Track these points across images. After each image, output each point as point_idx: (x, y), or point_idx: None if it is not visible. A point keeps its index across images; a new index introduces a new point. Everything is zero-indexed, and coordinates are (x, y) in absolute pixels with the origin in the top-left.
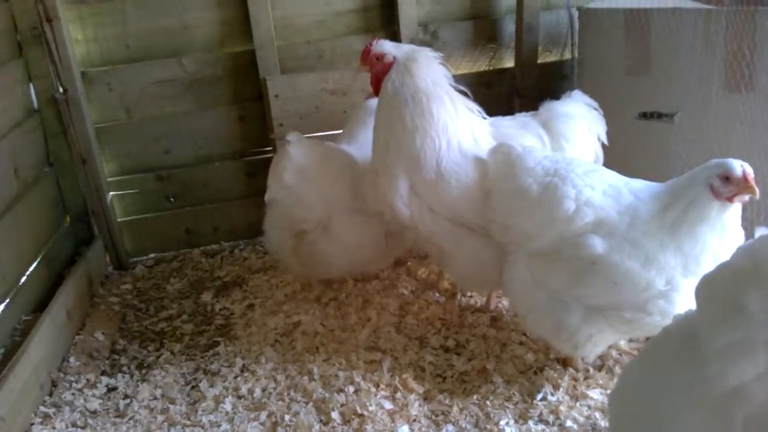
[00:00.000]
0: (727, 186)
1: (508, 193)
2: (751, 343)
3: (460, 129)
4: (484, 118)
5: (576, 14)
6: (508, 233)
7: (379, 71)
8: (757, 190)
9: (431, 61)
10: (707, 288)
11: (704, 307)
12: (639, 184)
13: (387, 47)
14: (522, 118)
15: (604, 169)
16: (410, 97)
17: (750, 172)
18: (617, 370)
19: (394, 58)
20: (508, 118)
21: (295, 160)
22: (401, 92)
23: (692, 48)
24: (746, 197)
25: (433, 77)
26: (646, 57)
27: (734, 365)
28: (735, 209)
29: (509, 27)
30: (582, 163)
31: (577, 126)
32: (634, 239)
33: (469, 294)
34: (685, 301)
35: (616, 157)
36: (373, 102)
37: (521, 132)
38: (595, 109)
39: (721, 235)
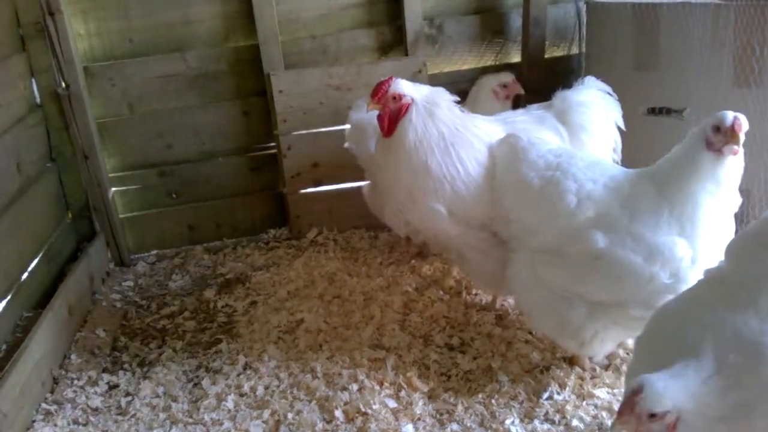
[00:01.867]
0: (717, 136)
1: (510, 185)
2: None
3: (482, 150)
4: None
5: (584, 8)
6: (510, 227)
7: (393, 111)
8: (740, 139)
9: (451, 105)
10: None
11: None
12: (640, 172)
13: (405, 87)
14: (536, 111)
15: (606, 161)
16: (435, 146)
17: (742, 124)
18: (624, 369)
19: (413, 100)
20: (521, 111)
21: None
22: (426, 139)
23: (701, 43)
24: (735, 147)
25: (454, 121)
26: (655, 52)
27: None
28: (731, 166)
29: (516, 21)
30: (584, 156)
31: (594, 115)
32: (636, 232)
33: (474, 292)
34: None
35: (624, 152)
36: None
37: (537, 127)
38: (610, 94)
39: (715, 192)
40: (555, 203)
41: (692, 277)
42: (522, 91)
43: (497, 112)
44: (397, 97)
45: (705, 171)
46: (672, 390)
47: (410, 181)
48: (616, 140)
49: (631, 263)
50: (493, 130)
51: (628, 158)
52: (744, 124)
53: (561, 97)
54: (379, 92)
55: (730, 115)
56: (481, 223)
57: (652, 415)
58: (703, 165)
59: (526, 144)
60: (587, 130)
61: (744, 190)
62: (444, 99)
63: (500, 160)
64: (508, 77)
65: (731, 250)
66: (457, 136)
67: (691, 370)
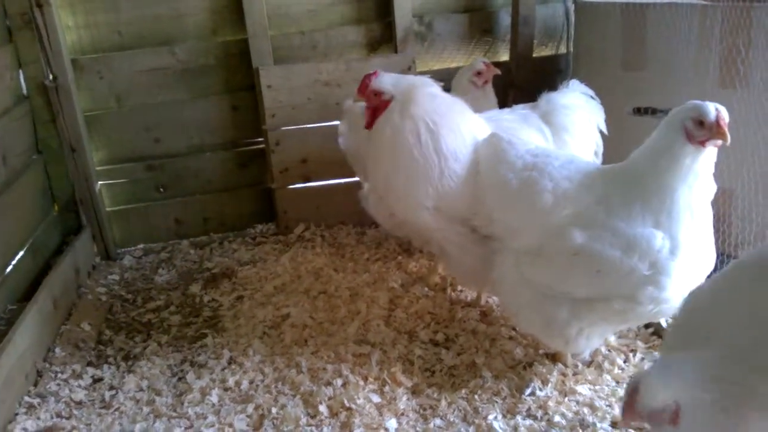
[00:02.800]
0: (701, 130)
1: (491, 185)
2: None
3: (463, 144)
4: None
5: (572, 8)
6: (493, 227)
7: (376, 106)
8: (728, 135)
9: (431, 98)
10: None
11: None
12: (614, 167)
13: (386, 84)
14: (521, 111)
15: (581, 158)
16: (413, 141)
17: (724, 116)
18: (606, 366)
19: (392, 97)
20: (507, 110)
21: None
22: (403, 134)
23: (687, 43)
24: (719, 142)
25: (432, 116)
26: (642, 52)
27: None
28: (708, 157)
29: (505, 20)
30: (560, 154)
31: (577, 118)
32: (613, 227)
33: (459, 289)
34: (677, 286)
35: (609, 152)
36: None
37: (522, 126)
38: (593, 98)
39: (693, 184)
40: (532, 203)
41: (672, 268)
42: (498, 71)
43: (480, 100)
44: (378, 94)
45: (685, 164)
46: (668, 383)
47: (388, 173)
48: (598, 143)
49: (610, 257)
50: (478, 123)
51: (613, 158)
52: (726, 116)
53: (546, 98)
54: (362, 86)
55: (711, 108)
56: (462, 217)
57: (653, 411)
58: (684, 158)
59: (505, 144)
60: (570, 132)
61: (727, 190)
62: (425, 93)
63: (483, 160)
64: (479, 64)
65: None
66: (437, 131)
67: (690, 362)
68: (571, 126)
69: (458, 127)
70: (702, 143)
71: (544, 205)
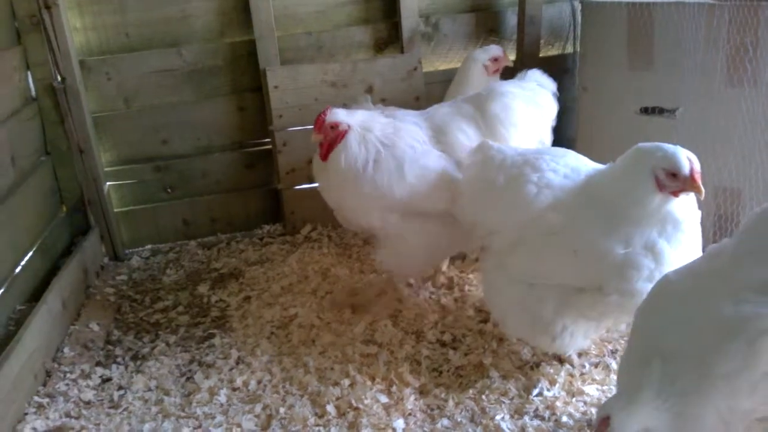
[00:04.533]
0: (674, 181)
1: (479, 190)
2: None
3: (414, 151)
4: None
5: (579, 7)
6: (475, 229)
7: (333, 139)
8: (702, 189)
9: (385, 127)
10: (752, 220)
11: (745, 238)
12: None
13: (340, 116)
14: (460, 101)
15: (572, 154)
16: (368, 165)
17: (697, 168)
18: (614, 366)
19: (350, 126)
20: (448, 103)
21: None
22: (360, 160)
23: (695, 43)
24: (695, 195)
25: (385, 142)
26: (649, 51)
27: (747, 269)
28: (684, 201)
29: (511, 20)
30: (555, 152)
31: (517, 107)
32: (590, 215)
33: (467, 288)
34: (642, 280)
35: (616, 151)
36: None
37: (455, 118)
38: (551, 90)
39: (674, 232)
40: (516, 194)
41: (642, 264)
42: (510, 63)
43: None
44: (335, 126)
45: (652, 208)
46: (638, 415)
47: (342, 197)
48: (543, 137)
49: (586, 235)
50: (421, 138)
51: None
52: (698, 165)
53: (488, 86)
54: (318, 123)
55: (684, 160)
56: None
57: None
58: (650, 204)
59: (494, 152)
60: (503, 122)
61: (735, 190)
62: (377, 122)
63: (471, 169)
64: (498, 51)
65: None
66: (389, 154)
67: (652, 386)
68: (506, 116)
69: (413, 146)
70: (674, 194)
71: (527, 195)
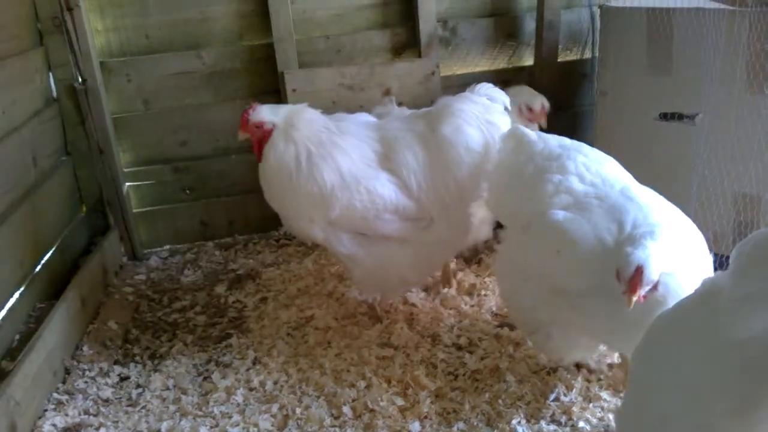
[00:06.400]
0: (617, 281)
1: (508, 176)
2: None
3: (353, 162)
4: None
5: (597, 13)
6: (496, 208)
7: (259, 138)
8: (632, 301)
9: (311, 123)
10: (742, 245)
11: (733, 261)
12: (643, 194)
13: (264, 114)
14: (415, 116)
15: (613, 164)
16: (296, 166)
17: (646, 278)
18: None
19: (274, 125)
20: (403, 117)
21: None
22: (285, 161)
23: (715, 49)
24: (631, 299)
25: (314, 140)
26: (668, 57)
27: (746, 316)
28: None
29: (529, 24)
30: (592, 153)
31: (468, 129)
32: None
33: (483, 293)
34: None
35: (635, 158)
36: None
37: (406, 135)
38: (503, 104)
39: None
40: (535, 188)
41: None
42: (544, 124)
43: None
44: (259, 125)
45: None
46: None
47: (277, 198)
48: (488, 162)
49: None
50: (361, 147)
51: (640, 164)
52: (650, 276)
53: (440, 102)
54: (242, 122)
55: (633, 263)
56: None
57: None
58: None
59: (534, 139)
60: (453, 144)
61: (755, 196)
62: (304, 119)
63: (502, 155)
64: (537, 103)
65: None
66: (321, 153)
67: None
68: (456, 138)
69: (342, 148)
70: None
71: (545, 193)
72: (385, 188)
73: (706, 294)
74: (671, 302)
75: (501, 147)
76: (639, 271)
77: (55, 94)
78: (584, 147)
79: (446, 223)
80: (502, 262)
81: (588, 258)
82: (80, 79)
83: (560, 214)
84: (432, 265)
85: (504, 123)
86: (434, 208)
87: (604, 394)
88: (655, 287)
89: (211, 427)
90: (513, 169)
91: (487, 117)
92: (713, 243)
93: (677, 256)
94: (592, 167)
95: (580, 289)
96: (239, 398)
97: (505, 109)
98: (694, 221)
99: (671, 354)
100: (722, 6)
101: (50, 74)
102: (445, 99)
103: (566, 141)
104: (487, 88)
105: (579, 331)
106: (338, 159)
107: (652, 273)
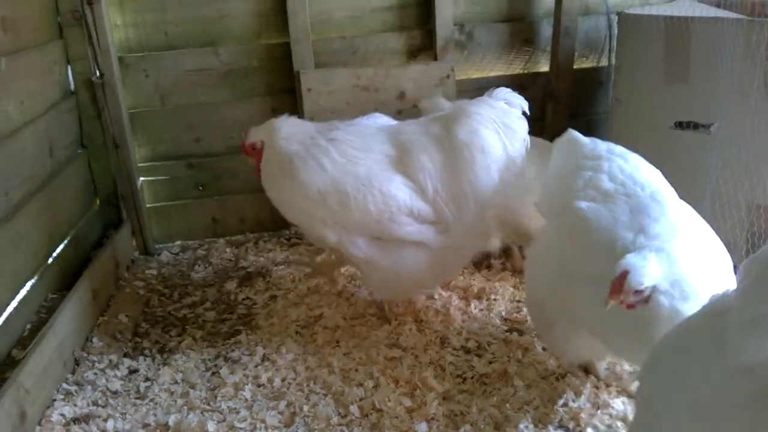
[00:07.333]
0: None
1: (559, 168)
2: None
3: (352, 164)
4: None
5: (615, 20)
6: (543, 204)
7: (258, 158)
8: (619, 298)
9: (295, 128)
10: (748, 263)
11: (740, 280)
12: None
13: (251, 135)
14: (429, 120)
15: (651, 171)
16: (287, 173)
17: (630, 284)
18: None
19: (262, 143)
20: (416, 120)
21: None
22: (271, 172)
23: (732, 58)
24: (608, 302)
25: (302, 147)
26: (685, 66)
27: (754, 340)
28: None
29: (546, 30)
30: (631, 158)
31: (484, 132)
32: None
33: (492, 297)
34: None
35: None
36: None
37: (421, 138)
38: (521, 109)
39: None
40: (570, 182)
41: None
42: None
43: None
44: (254, 146)
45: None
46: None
47: (283, 208)
48: (515, 161)
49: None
50: (354, 154)
51: None
52: (632, 284)
53: (456, 106)
54: (242, 146)
55: (622, 265)
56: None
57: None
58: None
59: (586, 141)
60: (469, 146)
61: None
62: (285, 124)
63: (556, 156)
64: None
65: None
66: (305, 159)
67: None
68: (472, 140)
69: (335, 151)
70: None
71: (575, 186)
72: (399, 190)
73: (713, 312)
74: (669, 319)
75: (556, 147)
76: (623, 275)
77: (72, 87)
78: (630, 155)
79: (463, 227)
80: (531, 249)
81: (600, 247)
82: (98, 73)
83: (584, 203)
84: (449, 269)
85: (522, 128)
86: (450, 211)
87: (613, 401)
88: (645, 300)
89: (219, 422)
90: (561, 166)
91: (504, 120)
92: None
93: (691, 269)
94: (627, 170)
95: (589, 276)
96: (247, 394)
97: (523, 113)
98: None
99: (679, 374)
100: (740, 16)
101: (68, 67)
102: (462, 102)
103: (616, 148)
104: (506, 93)
105: (588, 330)
106: (325, 163)
107: (636, 282)
